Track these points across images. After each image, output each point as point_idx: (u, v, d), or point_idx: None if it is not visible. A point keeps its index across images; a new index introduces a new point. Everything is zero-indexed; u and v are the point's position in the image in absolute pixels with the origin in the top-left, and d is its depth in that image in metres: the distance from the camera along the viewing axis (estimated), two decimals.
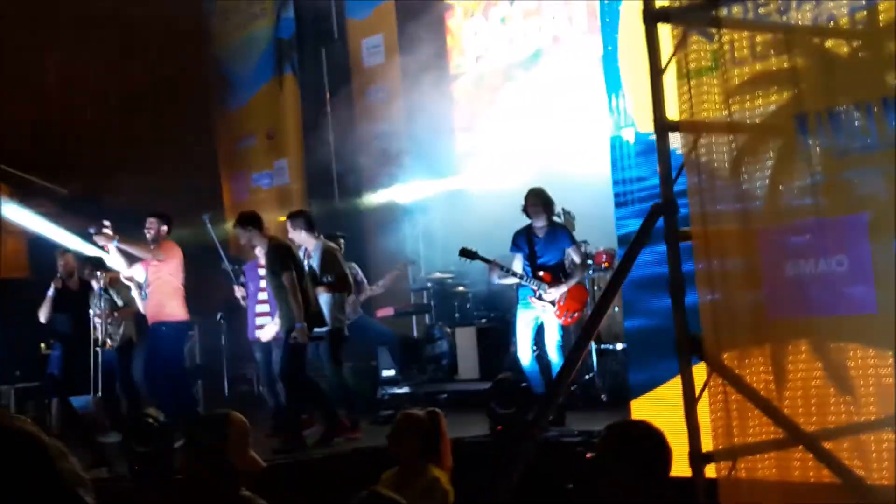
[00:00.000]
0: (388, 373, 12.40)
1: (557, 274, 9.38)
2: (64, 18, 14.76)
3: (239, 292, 10.81)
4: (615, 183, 7.15)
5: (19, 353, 12.33)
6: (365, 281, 11.84)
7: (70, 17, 14.80)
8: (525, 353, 9.34)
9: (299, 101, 16.42)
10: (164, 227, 10.23)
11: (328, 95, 15.88)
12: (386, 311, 13.17)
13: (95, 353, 10.28)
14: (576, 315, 9.35)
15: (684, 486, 4.78)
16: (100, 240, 9.98)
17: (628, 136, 6.98)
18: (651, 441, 4.05)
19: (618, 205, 7.17)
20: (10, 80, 14.69)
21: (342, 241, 11.76)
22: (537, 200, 9.38)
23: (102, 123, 15.26)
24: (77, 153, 15.09)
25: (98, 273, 10.43)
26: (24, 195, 15.06)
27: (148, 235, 10.11)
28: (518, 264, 9.47)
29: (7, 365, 12.18)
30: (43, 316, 10.73)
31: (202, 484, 4.11)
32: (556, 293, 9.29)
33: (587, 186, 10.58)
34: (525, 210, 9.46)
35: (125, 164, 15.09)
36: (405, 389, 11.88)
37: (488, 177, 13.10)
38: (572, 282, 9.35)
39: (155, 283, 10.00)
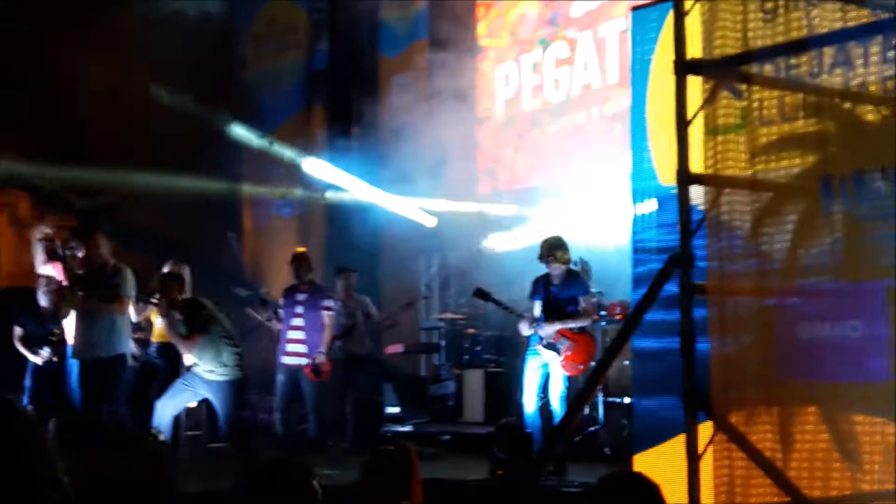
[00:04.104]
0: (393, 410, 12.34)
1: (563, 317, 9.31)
2: (94, 40, 14.89)
3: (263, 315, 10.82)
4: (635, 235, 7.10)
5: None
6: (375, 314, 11.82)
7: (100, 40, 14.93)
8: (530, 401, 9.27)
9: (326, 132, 16.46)
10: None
11: (355, 129, 15.92)
12: (395, 348, 13.13)
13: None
14: (580, 367, 9.25)
15: None
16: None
17: (650, 191, 6.93)
18: (644, 495, 3.95)
19: (635, 254, 7.11)
20: (42, 96, 14.80)
21: (354, 274, 11.77)
22: (549, 249, 9.36)
23: (127, 142, 15.31)
24: (100, 169, 15.15)
25: None
26: (44, 206, 15.13)
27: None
28: (538, 311, 9.42)
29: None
30: None
31: None
32: (546, 332, 9.21)
33: (607, 237, 10.57)
34: (540, 258, 9.43)
35: (146, 183, 15.13)
36: (408, 428, 11.81)
37: (508, 219, 13.09)
38: (569, 324, 9.24)
39: None
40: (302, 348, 10.32)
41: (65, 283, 9.77)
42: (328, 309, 10.39)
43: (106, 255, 9.50)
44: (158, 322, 10.42)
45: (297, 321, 10.40)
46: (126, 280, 9.41)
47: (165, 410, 8.95)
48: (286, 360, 10.34)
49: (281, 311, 10.68)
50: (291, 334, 10.39)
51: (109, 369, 9.33)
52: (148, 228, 14.23)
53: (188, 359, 9.17)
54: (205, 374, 8.90)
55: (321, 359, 10.28)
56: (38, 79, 14.78)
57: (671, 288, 5.28)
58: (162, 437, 8.62)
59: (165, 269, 10.09)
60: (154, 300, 9.30)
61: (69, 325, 10.03)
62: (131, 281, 9.49)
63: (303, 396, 10.42)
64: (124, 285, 9.37)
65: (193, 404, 9.88)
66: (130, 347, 9.76)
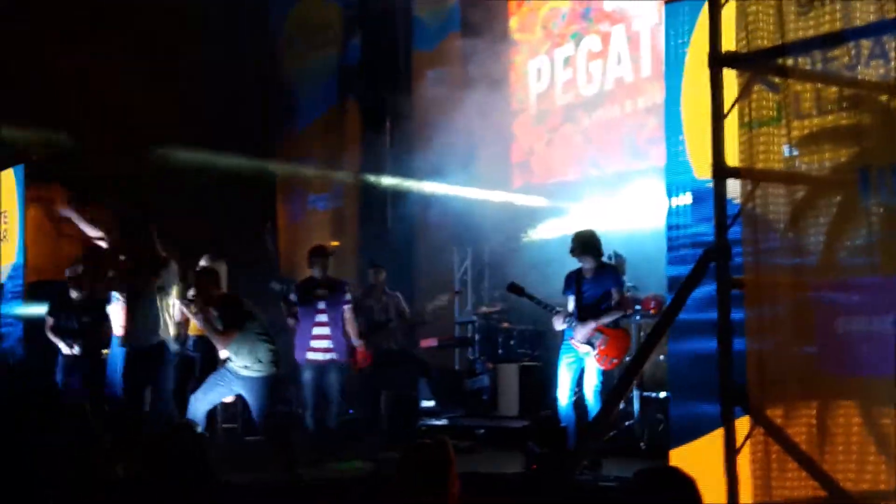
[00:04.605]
0: (428, 403, 12.37)
1: (596, 314, 9.29)
2: (128, 38, 15.04)
3: (286, 310, 10.84)
4: (669, 229, 7.09)
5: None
6: (407, 310, 11.85)
7: (135, 38, 15.08)
8: (563, 395, 9.26)
9: (360, 127, 16.52)
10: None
11: (389, 124, 15.96)
12: (429, 342, 13.16)
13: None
14: (615, 361, 9.23)
15: None
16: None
17: (685, 185, 6.90)
18: (680, 489, 3.94)
19: (670, 251, 7.10)
20: (77, 93, 14.95)
21: (384, 270, 11.82)
22: (582, 243, 9.34)
23: (162, 139, 15.45)
24: (136, 167, 15.27)
25: None
26: (80, 203, 15.24)
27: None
28: (571, 306, 9.42)
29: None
30: None
31: None
32: (580, 333, 9.21)
33: (642, 230, 10.53)
34: (572, 252, 9.42)
35: (182, 180, 15.25)
36: (443, 421, 11.84)
37: (542, 212, 13.08)
38: (603, 320, 9.23)
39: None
40: (328, 343, 10.35)
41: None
42: (348, 303, 10.44)
43: (158, 247, 9.63)
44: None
45: (321, 317, 10.40)
46: (172, 270, 9.56)
47: (199, 405, 9.02)
48: (313, 356, 10.37)
49: (296, 308, 10.67)
50: (316, 331, 10.41)
51: (159, 356, 9.43)
52: (183, 224, 14.32)
53: (223, 354, 9.24)
54: (240, 369, 8.96)
55: (361, 347, 10.39)
56: (67, 75, 14.93)
57: (707, 289, 5.27)
58: (199, 430, 8.67)
59: (201, 264, 10.16)
60: (190, 296, 9.37)
61: (115, 313, 10.14)
62: (175, 273, 9.63)
63: (326, 391, 10.45)
64: (170, 273, 9.52)
65: (229, 399, 9.94)
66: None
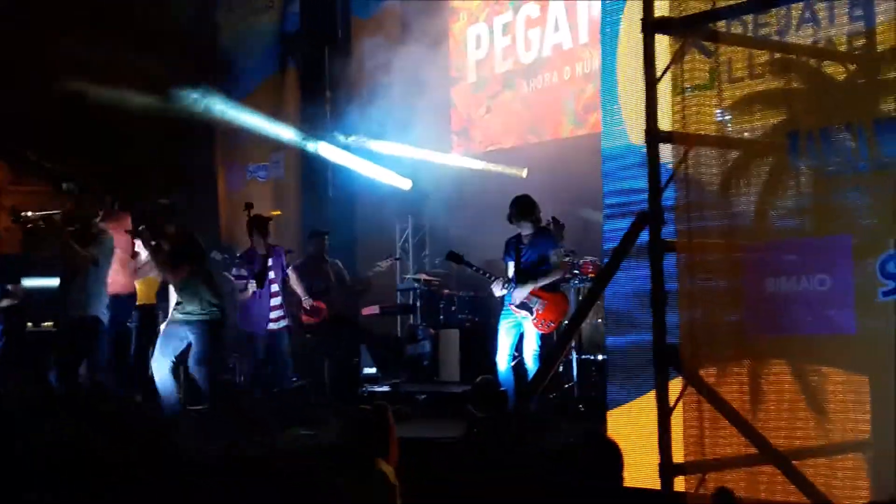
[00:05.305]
0: (370, 370, 12.40)
1: (534, 277, 9.38)
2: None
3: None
4: (606, 195, 7.17)
5: None
6: (348, 277, 11.87)
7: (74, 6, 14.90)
8: (503, 359, 9.35)
9: (300, 95, 16.41)
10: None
11: (328, 92, 15.88)
12: (371, 310, 13.18)
13: None
14: (553, 325, 9.32)
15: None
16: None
17: (621, 149, 6.97)
18: (604, 454, 4.00)
19: (607, 217, 7.17)
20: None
21: (326, 237, 11.82)
22: (519, 209, 9.41)
23: (100, 106, 15.26)
24: (74, 135, 15.10)
25: None
26: (20, 172, 15.08)
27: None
28: (511, 272, 9.49)
29: None
30: None
31: None
32: (518, 295, 9.30)
33: (581, 195, 10.61)
34: (510, 219, 9.49)
35: (119, 148, 15.09)
36: (385, 388, 11.88)
37: (481, 179, 13.11)
38: (539, 283, 9.32)
39: None
40: (282, 312, 10.43)
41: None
42: (286, 266, 10.55)
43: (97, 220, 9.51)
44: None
45: (274, 287, 10.45)
46: (106, 244, 9.41)
47: (160, 366, 9.05)
48: (273, 325, 10.42)
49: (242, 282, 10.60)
50: (273, 301, 10.46)
51: (93, 329, 9.30)
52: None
53: (172, 299, 9.23)
54: (182, 315, 8.99)
55: (310, 302, 10.45)
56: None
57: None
58: (137, 399, 8.69)
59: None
60: (140, 229, 9.32)
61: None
62: (110, 247, 9.49)
63: (279, 357, 10.49)
64: (105, 247, 9.38)
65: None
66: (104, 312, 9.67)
